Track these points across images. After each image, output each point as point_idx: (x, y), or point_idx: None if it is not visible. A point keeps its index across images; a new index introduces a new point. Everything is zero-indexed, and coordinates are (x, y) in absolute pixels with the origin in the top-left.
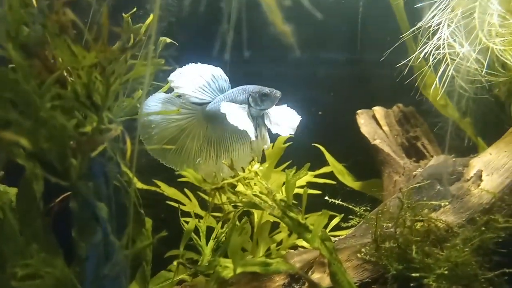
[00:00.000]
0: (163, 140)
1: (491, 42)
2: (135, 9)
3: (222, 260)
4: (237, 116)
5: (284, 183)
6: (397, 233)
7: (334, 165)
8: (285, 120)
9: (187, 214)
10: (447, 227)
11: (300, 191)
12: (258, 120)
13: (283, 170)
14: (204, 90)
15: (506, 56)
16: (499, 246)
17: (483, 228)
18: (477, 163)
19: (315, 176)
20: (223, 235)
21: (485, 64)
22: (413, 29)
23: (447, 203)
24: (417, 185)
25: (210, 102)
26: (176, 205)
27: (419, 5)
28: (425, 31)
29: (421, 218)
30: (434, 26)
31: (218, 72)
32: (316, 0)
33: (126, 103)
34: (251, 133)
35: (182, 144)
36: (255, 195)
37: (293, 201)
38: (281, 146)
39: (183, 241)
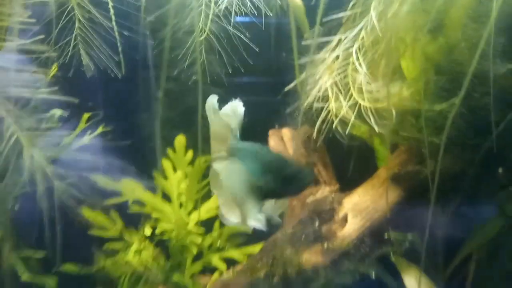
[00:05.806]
0: None
1: (360, 98)
2: None
3: None
4: None
5: None
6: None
7: None
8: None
9: None
10: (314, 268)
11: None
12: None
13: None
14: None
15: (368, 113)
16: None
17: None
18: (347, 204)
19: None
20: None
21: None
22: (294, 82)
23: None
24: (291, 232)
25: None
26: None
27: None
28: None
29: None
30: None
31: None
32: None
33: None
34: None
35: None
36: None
37: None
38: (202, 165)
39: None
